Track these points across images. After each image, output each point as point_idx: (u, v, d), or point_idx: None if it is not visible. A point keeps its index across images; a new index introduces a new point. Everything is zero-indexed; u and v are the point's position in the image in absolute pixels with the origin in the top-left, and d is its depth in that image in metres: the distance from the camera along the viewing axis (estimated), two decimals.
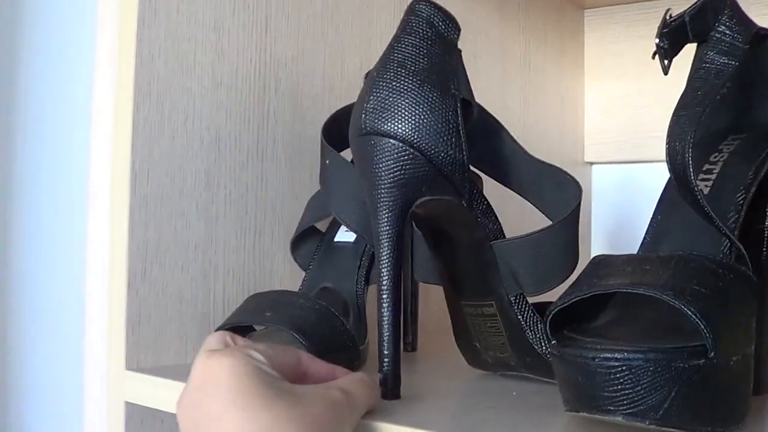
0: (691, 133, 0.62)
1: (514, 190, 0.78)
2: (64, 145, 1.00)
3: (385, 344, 0.65)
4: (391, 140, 0.64)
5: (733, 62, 0.66)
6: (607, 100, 1.40)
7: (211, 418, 0.53)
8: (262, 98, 0.87)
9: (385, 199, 0.65)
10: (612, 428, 0.55)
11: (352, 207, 0.78)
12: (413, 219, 0.72)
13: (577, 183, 0.74)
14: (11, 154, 0.97)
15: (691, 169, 0.61)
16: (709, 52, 0.68)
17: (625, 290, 0.57)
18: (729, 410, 0.53)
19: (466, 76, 0.70)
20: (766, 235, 0.68)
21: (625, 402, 0.52)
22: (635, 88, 1.37)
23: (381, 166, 0.64)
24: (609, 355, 0.52)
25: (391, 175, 0.64)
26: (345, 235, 0.86)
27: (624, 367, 0.51)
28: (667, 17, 0.73)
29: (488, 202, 0.70)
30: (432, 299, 1.02)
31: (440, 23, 0.68)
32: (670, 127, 0.66)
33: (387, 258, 0.65)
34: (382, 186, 0.64)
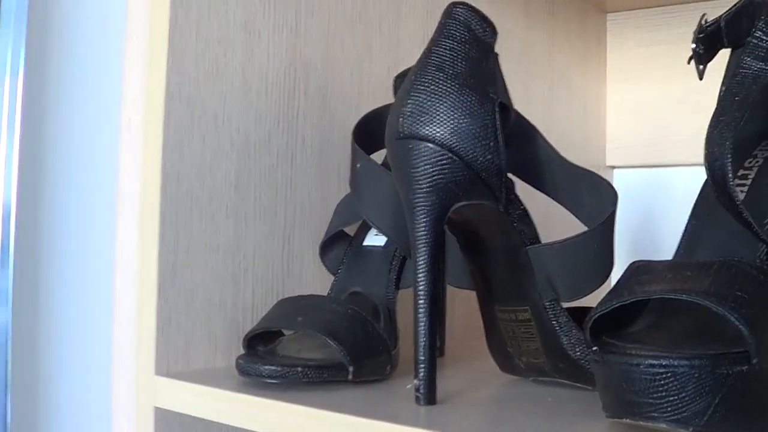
0: (730, 138, 0.62)
1: (548, 195, 0.77)
2: (94, 148, 0.99)
3: (421, 350, 0.64)
4: (429, 144, 0.64)
5: None
6: (629, 104, 1.40)
7: None
8: (291, 100, 0.87)
9: (422, 204, 0.64)
10: None
11: (384, 210, 0.78)
12: (447, 223, 0.72)
13: (612, 188, 0.74)
14: (42, 158, 0.97)
15: (730, 175, 0.61)
16: (746, 58, 0.68)
17: (668, 296, 0.56)
18: None
19: (504, 80, 0.69)
20: None
21: (669, 409, 0.51)
22: (657, 92, 1.37)
23: (419, 169, 0.64)
24: (654, 362, 0.51)
25: (429, 179, 0.64)
26: (374, 239, 0.86)
27: (669, 374, 0.51)
28: (703, 22, 0.73)
29: (524, 207, 0.70)
30: (458, 304, 1.02)
31: (477, 26, 0.68)
32: (708, 132, 0.65)
33: (424, 263, 0.64)
34: (420, 190, 0.64)
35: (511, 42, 1.14)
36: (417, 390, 0.64)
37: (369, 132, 0.84)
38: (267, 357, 0.73)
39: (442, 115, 0.64)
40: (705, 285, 0.55)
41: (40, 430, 1.03)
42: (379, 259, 0.85)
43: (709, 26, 0.72)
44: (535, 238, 0.70)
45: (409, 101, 0.65)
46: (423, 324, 0.64)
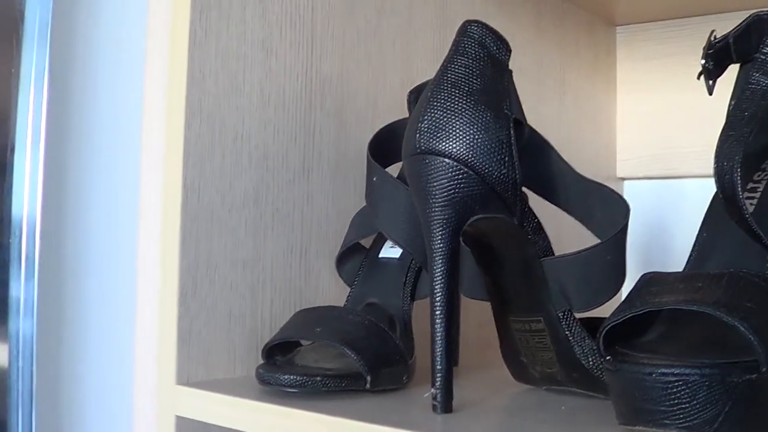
0: (740, 153, 0.63)
1: (561, 208, 0.78)
2: (117, 162, 1.01)
3: (438, 359, 0.66)
4: (446, 159, 0.65)
5: None
6: (639, 116, 1.41)
7: None
8: (308, 116, 0.88)
9: (438, 217, 0.66)
10: None
11: (400, 223, 0.79)
12: (462, 236, 0.73)
13: (624, 201, 0.75)
14: (65, 171, 0.99)
15: (739, 188, 0.62)
16: (754, 74, 0.69)
17: (679, 307, 0.58)
18: None
19: (518, 96, 0.71)
20: None
21: (680, 416, 0.53)
22: (667, 104, 1.38)
23: (435, 184, 0.65)
24: (666, 370, 0.53)
25: (445, 193, 0.65)
26: (390, 252, 0.87)
27: (680, 382, 0.52)
28: (712, 38, 0.74)
29: (538, 220, 0.71)
30: (471, 315, 1.03)
31: (492, 44, 0.70)
32: (718, 147, 0.66)
33: (440, 274, 0.66)
34: (436, 204, 0.66)
35: (523, 56, 1.16)
36: (434, 398, 0.66)
37: (384, 146, 0.86)
38: (286, 367, 0.75)
39: (458, 130, 0.65)
40: (715, 296, 0.57)
41: None
42: (395, 271, 0.86)
43: (718, 42, 0.73)
44: (548, 250, 0.72)
45: (425, 117, 0.66)
46: (440, 334, 0.65)
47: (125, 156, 0.96)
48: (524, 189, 0.79)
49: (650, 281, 0.63)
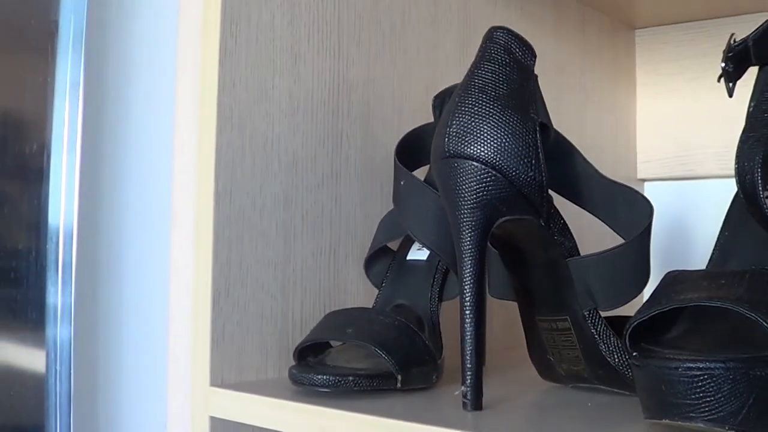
0: (760, 153, 0.64)
1: (586, 209, 0.80)
2: (148, 169, 1.03)
3: (468, 358, 0.67)
4: (474, 162, 0.66)
5: None
6: (659, 117, 1.42)
7: None
8: (335, 121, 0.90)
9: (467, 220, 0.67)
10: None
11: (428, 225, 0.80)
12: (489, 238, 0.74)
13: (648, 201, 0.76)
14: (100, 180, 1.01)
15: (760, 188, 0.63)
16: None
17: (703, 304, 0.59)
18: None
19: (543, 100, 0.72)
20: None
21: (706, 409, 0.54)
22: (686, 106, 1.39)
23: (464, 187, 0.67)
24: (692, 365, 0.54)
25: (474, 196, 0.67)
26: (417, 254, 0.89)
27: (706, 376, 0.54)
28: (732, 41, 0.75)
29: (564, 221, 0.72)
30: (495, 316, 1.04)
31: (517, 50, 0.71)
32: (738, 147, 0.68)
33: (469, 275, 0.67)
34: (465, 207, 0.67)
35: (544, 61, 1.17)
36: (464, 396, 0.67)
37: (410, 150, 0.87)
38: (319, 367, 0.76)
39: (486, 134, 0.67)
40: (738, 293, 0.58)
41: None
42: (423, 273, 0.87)
43: (737, 45, 0.75)
44: (574, 250, 0.73)
45: (454, 122, 0.68)
46: (469, 333, 0.67)
47: (158, 162, 0.98)
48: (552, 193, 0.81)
49: (675, 279, 0.64)
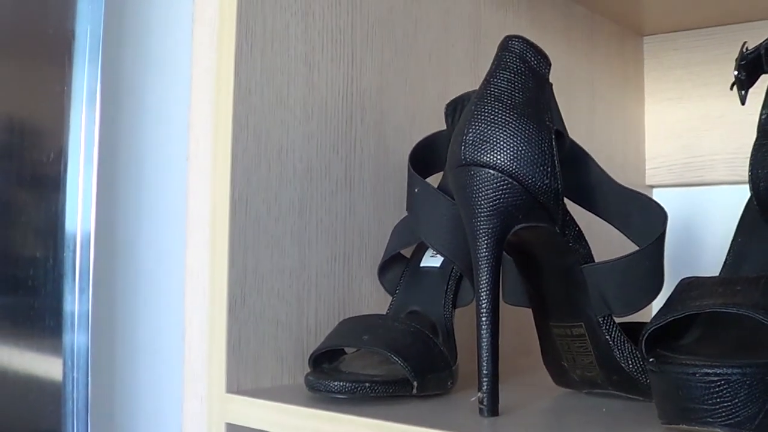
0: None
1: (600, 216, 0.80)
2: (164, 177, 1.03)
3: (484, 364, 0.67)
4: (491, 170, 0.67)
5: None
6: (668, 124, 1.42)
7: None
8: (349, 129, 0.91)
9: (483, 227, 0.68)
10: None
11: (442, 232, 0.81)
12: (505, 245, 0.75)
13: (662, 208, 0.77)
14: (116, 189, 1.01)
15: None
16: None
17: (719, 310, 0.60)
18: None
19: (558, 109, 0.73)
20: None
21: (723, 414, 0.55)
22: (695, 112, 1.39)
23: (480, 195, 0.67)
24: (709, 371, 0.55)
25: (490, 203, 0.67)
26: (431, 261, 0.89)
27: (723, 381, 0.54)
28: (744, 50, 0.76)
29: (579, 228, 0.73)
30: (507, 323, 1.04)
31: (532, 59, 0.72)
32: (752, 155, 0.68)
33: (485, 283, 0.68)
34: (482, 214, 0.67)
35: (554, 68, 1.18)
36: (481, 402, 0.68)
37: (423, 158, 0.88)
38: (334, 374, 0.76)
39: (502, 142, 0.67)
40: (754, 299, 0.59)
41: None
42: (436, 279, 0.88)
43: (750, 53, 0.75)
44: (589, 257, 0.73)
45: (470, 130, 0.68)
46: (486, 339, 0.67)
47: (174, 169, 0.99)
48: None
49: (690, 285, 0.65)
